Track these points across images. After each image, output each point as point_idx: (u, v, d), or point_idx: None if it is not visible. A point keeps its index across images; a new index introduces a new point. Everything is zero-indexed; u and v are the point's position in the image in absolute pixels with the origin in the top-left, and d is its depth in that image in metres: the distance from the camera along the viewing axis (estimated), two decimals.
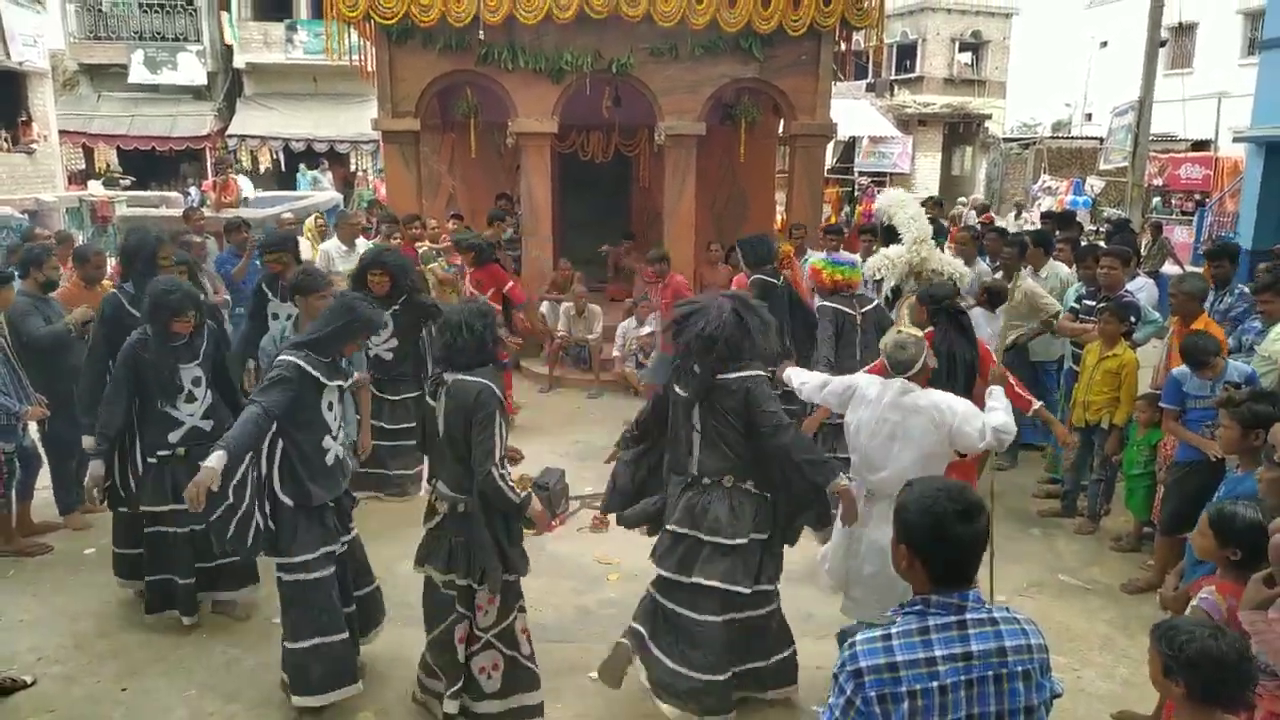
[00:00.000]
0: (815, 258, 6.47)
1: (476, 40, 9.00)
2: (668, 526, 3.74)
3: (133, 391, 4.27)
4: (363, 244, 8.36)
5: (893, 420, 3.63)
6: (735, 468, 3.62)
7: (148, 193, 18.75)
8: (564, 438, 7.53)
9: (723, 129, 10.19)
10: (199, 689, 4.01)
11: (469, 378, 3.38)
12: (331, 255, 7.96)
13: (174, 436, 4.33)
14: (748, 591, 3.61)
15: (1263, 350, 4.90)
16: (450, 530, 3.50)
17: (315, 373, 3.60)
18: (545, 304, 9.24)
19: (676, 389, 3.72)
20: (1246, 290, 5.83)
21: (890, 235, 6.85)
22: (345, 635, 3.75)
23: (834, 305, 5.73)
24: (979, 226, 11.58)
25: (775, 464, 3.63)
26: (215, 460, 3.30)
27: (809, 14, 9.02)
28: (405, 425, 5.97)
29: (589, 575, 5.16)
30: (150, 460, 4.34)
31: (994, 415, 3.61)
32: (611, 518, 5.84)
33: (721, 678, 3.61)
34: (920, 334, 3.87)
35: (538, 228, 9.60)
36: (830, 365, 5.35)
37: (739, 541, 3.58)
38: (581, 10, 8.78)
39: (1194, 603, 2.83)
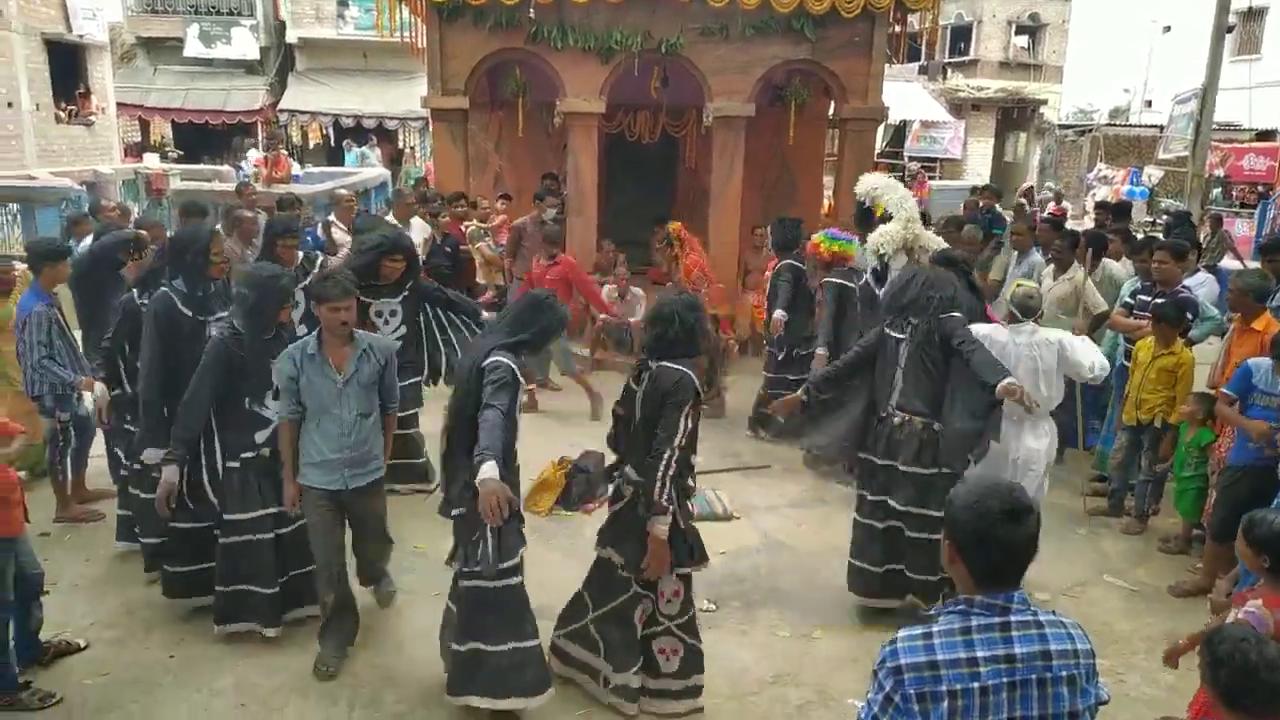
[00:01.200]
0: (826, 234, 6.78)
1: (526, 18, 8.97)
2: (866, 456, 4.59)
3: (215, 392, 4.00)
4: (418, 223, 8.43)
5: (1034, 356, 4.65)
6: (927, 404, 4.36)
7: (200, 166, 19.06)
8: (604, 421, 7.51)
9: (772, 111, 10.08)
10: (245, 660, 4.10)
11: (672, 365, 3.50)
12: None
13: (260, 436, 4.10)
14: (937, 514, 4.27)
15: None
16: (634, 513, 3.61)
17: (520, 375, 3.52)
18: None
19: (893, 334, 4.46)
20: None
21: (866, 217, 7.13)
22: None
23: (837, 281, 6.27)
24: (1046, 216, 11.35)
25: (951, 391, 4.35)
26: (493, 470, 3.10)
27: None
28: (411, 412, 5.78)
29: None
30: (232, 464, 4.09)
31: (1097, 356, 4.74)
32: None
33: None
34: (1038, 287, 5.07)
35: (583, 208, 9.59)
36: (829, 346, 6.04)
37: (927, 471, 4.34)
38: None
39: (1239, 615, 2.76)
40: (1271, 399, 4.48)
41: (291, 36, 23.64)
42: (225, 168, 18.54)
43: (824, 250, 6.37)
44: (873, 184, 7.01)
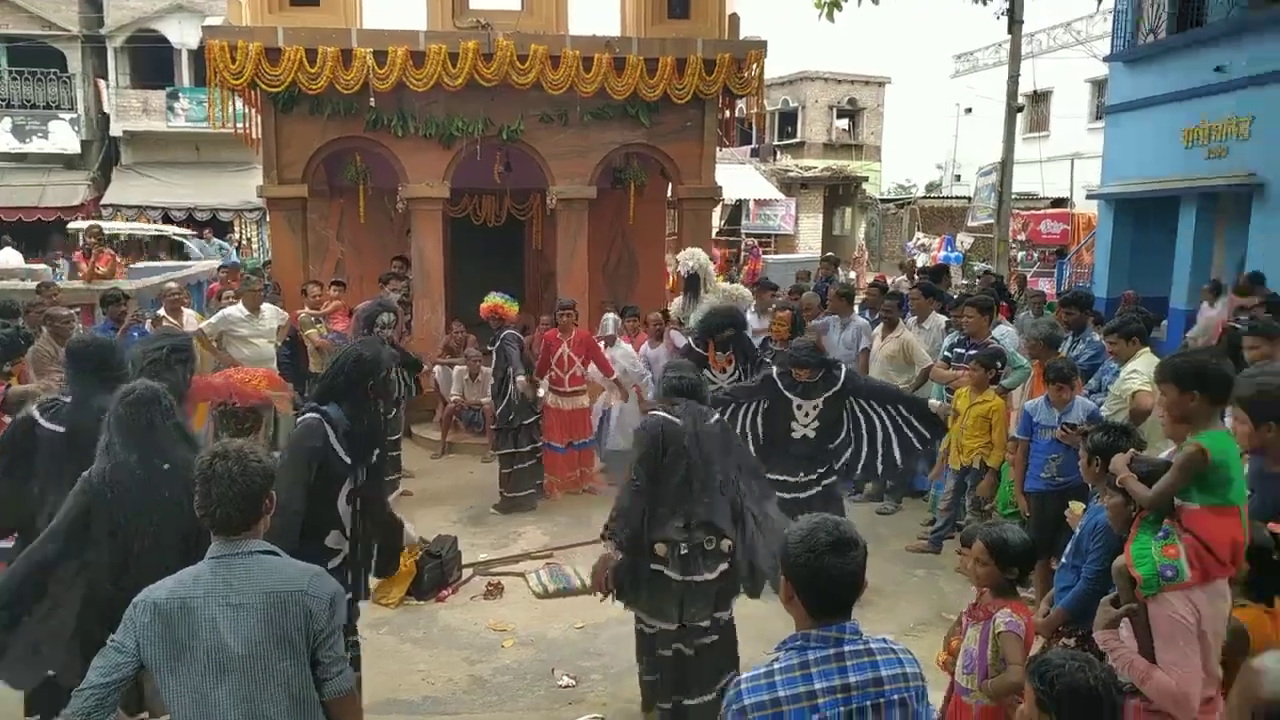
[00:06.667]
0: (495, 295, 7.51)
1: (366, 107, 9.02)
2: None
3: None
4: (271, 310, 8.25)
5: None
6: None
7: (13, 266, 17.77)
8: (457, 504, 7.42)
9: (613, 192, 10.43)
10: None
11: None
12: (234, 319, 7.90)
13: None
14: None
15: (1114, 390, 5.27)
16: None
17: None
18: (438, 368, 9.16)
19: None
20: (1096, 338, 6.27)
21: (693, 283, 8.15)
22: None
23: (516, 334, 7.39)
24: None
25: None
26: None
27: (693, 83, 9.39)
28: None
29: (483, 644, 5.07)
30: None
31: None
32: (509, 582, 5.83)
33: None
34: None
35: (429, 291, 9.57)
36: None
37: None
38: (472, 78, 8.93)
39: (999, 631, 2.96)
40: (1048, 430, 5.06)
41: (116, 129, 22.67)
42: (40, 266, 17.37)
43: (508, 309, 7.29)
44: (697, 255, 8.11)
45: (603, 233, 10.65)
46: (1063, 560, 3.73)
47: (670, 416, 3.90)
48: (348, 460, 3.40)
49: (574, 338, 7.55)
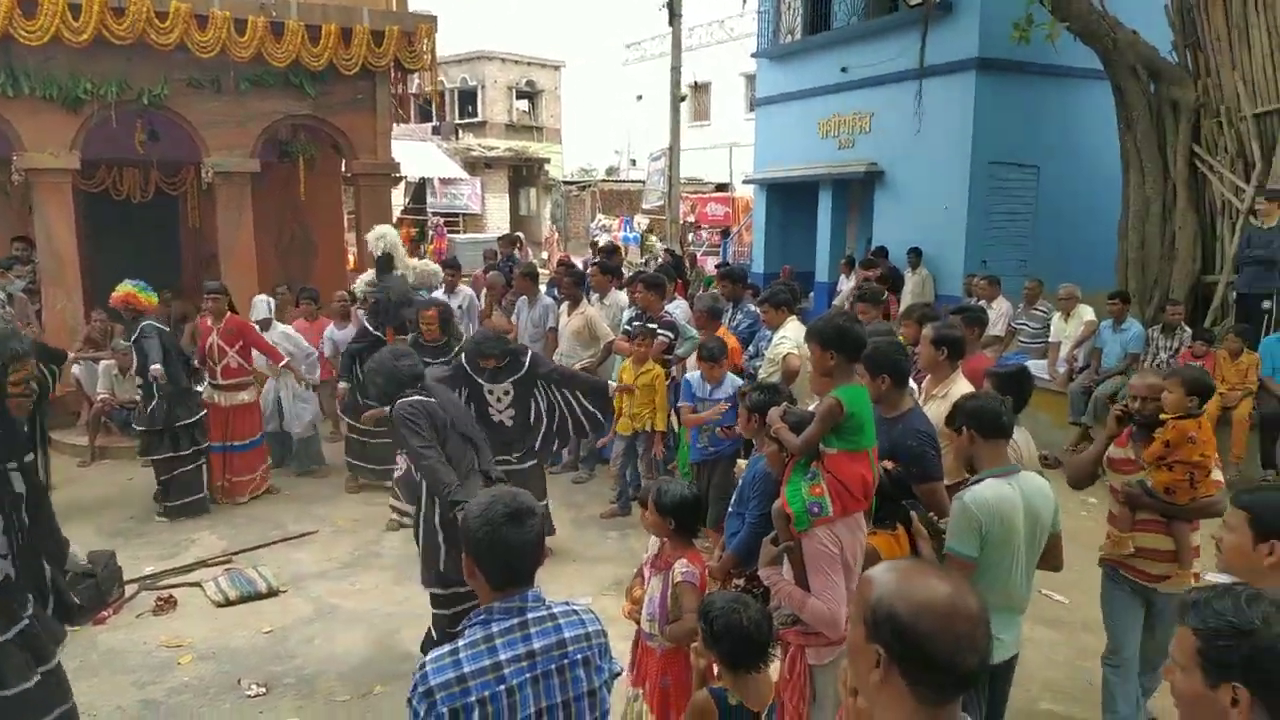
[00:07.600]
0: (128, 283, 6.77)
1: None
2: None
3: None
4: None
5: None
6: None
7: None
8: (113, 515, 6.62)
9: (281, 166, 9.76)
10: None
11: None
12: None
13: None
14: None
15: (769, 354, 5.87)
16: None
17: None
18: (79, 365, 8.05)
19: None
20: (753, 309, 6.93)
21: (386, 262, 7.67)
22: None
23: (155, 323, 6.56)
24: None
25: None
26: None
27: (360, 54, 9.00)
28: None
29: (155, 664, 4.58)
30: None
31: None
32: (183, 594, 5.34)
33: None
34: None
35: (62, 276, 8.36)
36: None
37: None
38: (100, 35, 7.87)
39: (677, 581, 3.27)
40: (703, 403, 5.56)
41: None
42: None
43: (144, 299, 6.61)
44: (386, 234, 7.62)
45: (272, 210, 9.94)
46: (729, 509, 4.12)
47: (422, 397, 4.16)
48: None
49: (225, 325, 6.91)
